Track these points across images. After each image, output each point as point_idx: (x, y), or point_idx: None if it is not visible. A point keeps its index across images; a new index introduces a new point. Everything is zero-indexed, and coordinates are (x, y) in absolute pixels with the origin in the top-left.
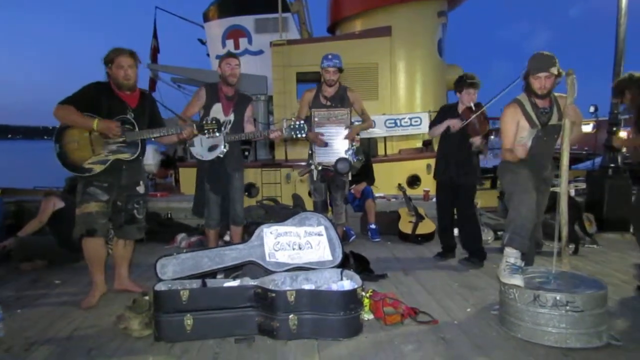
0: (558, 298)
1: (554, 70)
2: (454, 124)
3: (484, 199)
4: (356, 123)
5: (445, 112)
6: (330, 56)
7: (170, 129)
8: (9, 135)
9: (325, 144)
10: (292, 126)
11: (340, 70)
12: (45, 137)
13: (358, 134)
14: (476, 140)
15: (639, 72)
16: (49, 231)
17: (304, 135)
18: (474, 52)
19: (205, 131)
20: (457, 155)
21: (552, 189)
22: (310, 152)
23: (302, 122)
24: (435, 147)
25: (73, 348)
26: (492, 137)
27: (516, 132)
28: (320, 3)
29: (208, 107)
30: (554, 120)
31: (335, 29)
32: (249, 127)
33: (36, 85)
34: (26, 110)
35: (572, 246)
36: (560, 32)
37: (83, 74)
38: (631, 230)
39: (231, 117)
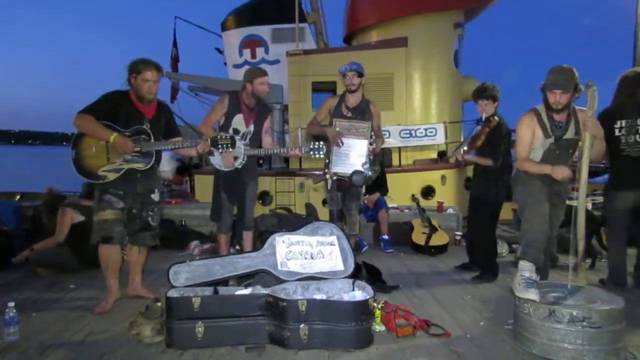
0: (574, 314)
1: (570, 88)
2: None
3: None
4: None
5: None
6: (350, 62)
7: (185, 142)
8: (29, 141)
9: (340, 145)
10: (312, 147)
11: (360, 75)
12: (64, 143)
13: (372, 145)
14: (458, 151)
15: None
16: (66, 243)
17: (322, 156)
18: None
19: (219, 146)
20: (478, 167)
21: (568, 202)
22: (327, 161)
23: (321, 143)
24: (451, 159)
25: (86, 352)
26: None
27: (532, 141)
28: (337, 14)
29: (230, 116)
30: (569, 134)
31: (352, 40)
32: (267, 139)
33: (55, 92)
34: (45, 117)
35: (588, 260)
36: (574, 40)
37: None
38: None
39: (251, 128)
